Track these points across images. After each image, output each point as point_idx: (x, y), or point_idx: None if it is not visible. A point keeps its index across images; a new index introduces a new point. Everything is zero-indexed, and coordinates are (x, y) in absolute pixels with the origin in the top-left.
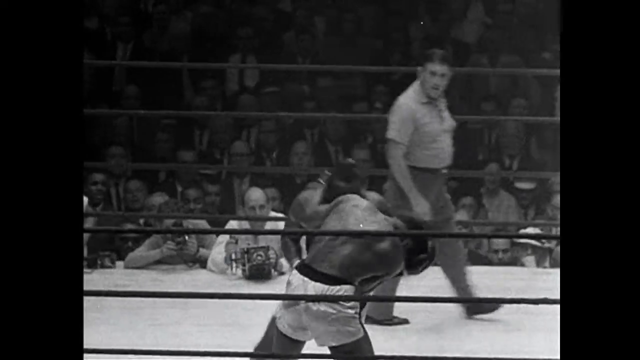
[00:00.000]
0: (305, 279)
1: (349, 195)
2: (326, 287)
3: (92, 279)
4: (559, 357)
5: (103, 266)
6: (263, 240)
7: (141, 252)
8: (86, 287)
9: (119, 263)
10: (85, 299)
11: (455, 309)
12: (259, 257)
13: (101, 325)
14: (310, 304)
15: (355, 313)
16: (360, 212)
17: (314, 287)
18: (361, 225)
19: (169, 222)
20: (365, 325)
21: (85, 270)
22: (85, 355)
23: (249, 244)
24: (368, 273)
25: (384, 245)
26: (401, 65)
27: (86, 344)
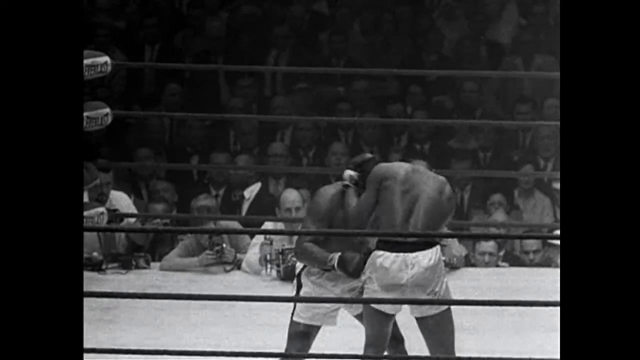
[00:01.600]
0: (400, 254)
1: (388, 171)
2: (424, 253)
3: (128, 280)
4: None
5: (138, 267)
6: None
7: (177, 255)
8: (122, 288)
9: (154, 264)
10: (118, 300)
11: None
12: (294, 259)
13: (135, 326)
14: (411, 279)
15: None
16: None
17: (414, 257)
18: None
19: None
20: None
21: (120, 271)
22: (85, 355)
23: (283, 245)
24: (446, 221)
25: (449, 187)
26: (436, 67)
27: (120, 345)
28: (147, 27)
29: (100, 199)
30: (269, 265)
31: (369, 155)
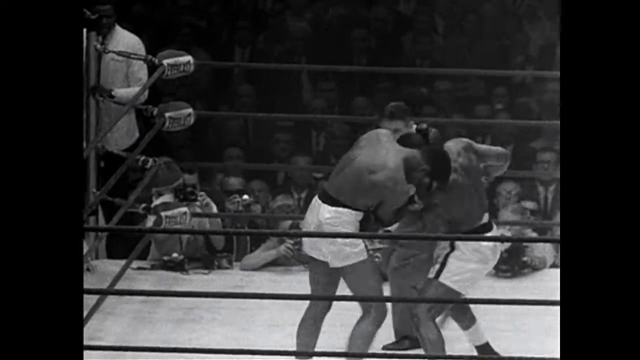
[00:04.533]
0: (319, 201)
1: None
2: (330, 208)
3: (211, 280)
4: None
5: (220, 267)
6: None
7: (257, 254)
8: (204, 288)
9: (236, 264)
10: (201, 302)
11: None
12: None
13: (218, 327)
14: (321, 223)
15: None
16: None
17: (323, 209)
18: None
19: (285, 225)
20: None
21: (202, 271)
22: (85, 352)
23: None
24: (368, 200)
25: (380, 175)
26: (522, 67)
27: (201, 345)
28: (239, 30)
29: (188, 198)
30: None
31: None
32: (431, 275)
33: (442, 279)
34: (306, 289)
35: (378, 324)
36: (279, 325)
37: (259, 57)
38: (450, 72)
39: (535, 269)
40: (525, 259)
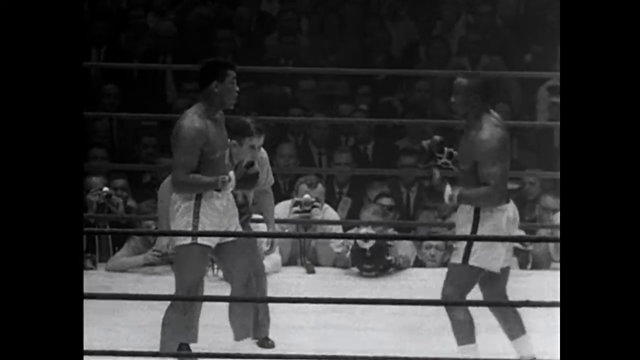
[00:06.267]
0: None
1: None
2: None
3: None
4: (551, 357)
5: (85, 267)
6: None
7: (123, 255)
8: None
9: (100, 264)
10: None
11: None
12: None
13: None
14: None
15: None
16: None
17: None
18: None
19: (147, 225)
20: None
21: None
22: (85, 356)
23: None
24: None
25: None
26: (385, 67)
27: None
28: (94, 30)
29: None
30: (215, 266)
31: None
32: (458, 261)
33: (472, 262)
34: (171, 290)
35: (183, 311)
36: (141, 326)
37: (121, 57)
38: (313, 71)
39: (399, 268)
40: (389, 258)
